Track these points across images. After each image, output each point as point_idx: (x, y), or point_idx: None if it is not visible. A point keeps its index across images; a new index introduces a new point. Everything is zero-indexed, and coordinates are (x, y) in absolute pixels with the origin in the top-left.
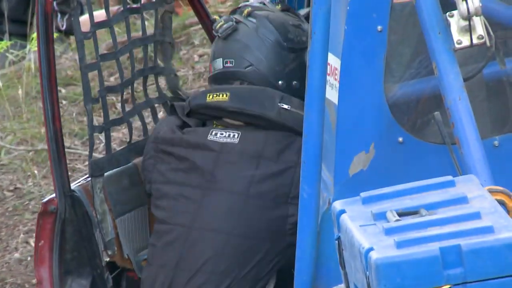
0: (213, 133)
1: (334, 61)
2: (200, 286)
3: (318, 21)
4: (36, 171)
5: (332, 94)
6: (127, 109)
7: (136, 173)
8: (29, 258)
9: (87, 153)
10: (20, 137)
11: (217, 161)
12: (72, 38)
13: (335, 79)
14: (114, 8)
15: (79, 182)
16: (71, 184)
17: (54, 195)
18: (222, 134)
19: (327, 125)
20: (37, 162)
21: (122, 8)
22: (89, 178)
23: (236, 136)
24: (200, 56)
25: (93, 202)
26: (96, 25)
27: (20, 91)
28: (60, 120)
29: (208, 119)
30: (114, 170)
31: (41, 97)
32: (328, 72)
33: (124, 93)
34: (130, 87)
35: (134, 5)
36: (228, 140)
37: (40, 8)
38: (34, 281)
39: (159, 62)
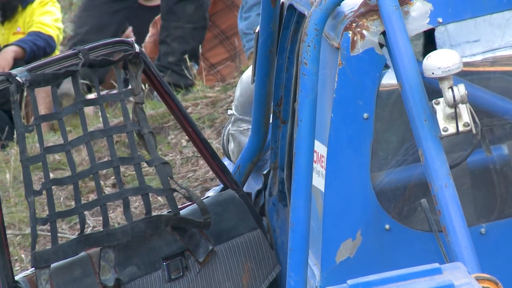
0: None
1: (320, 149)
2: None
3: (304, 109)
4: (23, 255)
5: (318, 182)
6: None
7: (89, 263)
8: None
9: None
10: (8, 221)
11: None
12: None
13: (322, 167)
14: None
15: (25, 273)
16: (16, 276)
17: None
18: None
19: (314, 212)
20: (25, 246)
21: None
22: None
23: None
24: (188, 141)
25: None
26: (40, 118)
27: (8, 175)
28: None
29: None
30: (64, 260)
31: None
32: (315, 159)
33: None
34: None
35: (90, 96)
36: None
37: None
38: None
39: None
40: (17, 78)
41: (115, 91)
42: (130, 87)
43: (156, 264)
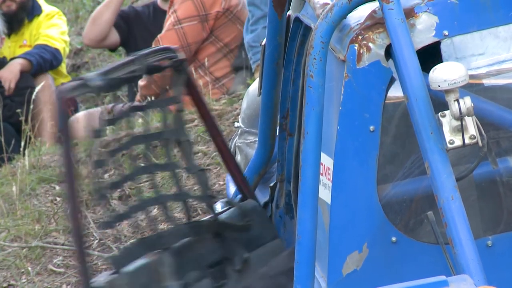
0: None
1: (327, 161)
2: None
3: (311, 121)
4: (30, 268)
5: (325, 194)
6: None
7: (152, 270)
8: None
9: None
10: (14, 234)
11: None
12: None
13: (328, 179)
14: (109, 106)
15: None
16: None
17: None
18: None
19: (320, 225)
20: (31, 259)
21: (125, 105)
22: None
23: None
24: (196, 153)
25: None
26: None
27: (14, 188)
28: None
29: None
30: (130, 266)
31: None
32: (321, 172)
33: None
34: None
35: (139, 104)
36: None
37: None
38: None
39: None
40: (95, 82)
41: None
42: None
43: (202, 272)
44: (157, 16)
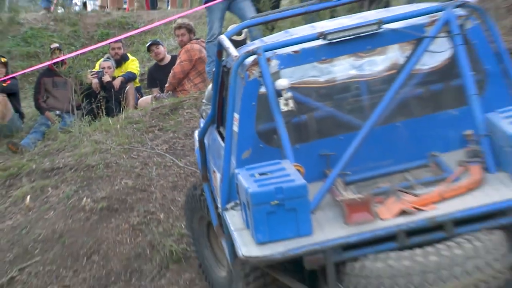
0: None
1: (236, 116)
2: None
3: (230, 101)
4: (124, 155)
5: (236, 128)
6: None
7: None
8: None
9: None
10: (117, 142)
11: None
12: None
13: (236, 122)
14: None
15: None
16: None
17: None
18: None
19: (234, 142)
20: (125, 153)
21: None
22: None
23: None
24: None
25: None
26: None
27: (118, 126)
28: None
29: None
30: None
31: None
32: (234, 120)
33: None
34: None
35: None
36: None
37: None
38: None
39: None
40: None
41: None
42: None
43: None
44: (172, 63)
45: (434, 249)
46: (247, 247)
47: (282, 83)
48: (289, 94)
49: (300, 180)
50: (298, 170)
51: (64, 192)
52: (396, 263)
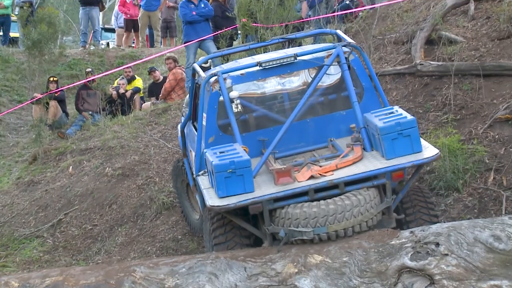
0: None
1: (205, 116)
2: None
3: (201, 106)
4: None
5: (204, 123)
6: None
7: None
8: None
9: None
10: (128, 131)
11: None
12: None
13: (204, 119)
14: None
15: None
16: None
17: None
18: None
19: (204, 129)
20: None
21: None
22: None
23: None
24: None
25: None
26: None
27: (129, 121)
28: None
29: None
30: None
31: None
32: (203, 118)
33: None
34: None
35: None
36: None
37: None
38: None
39: None
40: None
41: None
42: None
43: None
44: (164, 81)
45: (332, 201)
46: (212, 199)
47: (233, 94)
48: (238, 101)
49: (246, 156)
50: (244, 150)
51: (94, 164)
52: (308, 209)
